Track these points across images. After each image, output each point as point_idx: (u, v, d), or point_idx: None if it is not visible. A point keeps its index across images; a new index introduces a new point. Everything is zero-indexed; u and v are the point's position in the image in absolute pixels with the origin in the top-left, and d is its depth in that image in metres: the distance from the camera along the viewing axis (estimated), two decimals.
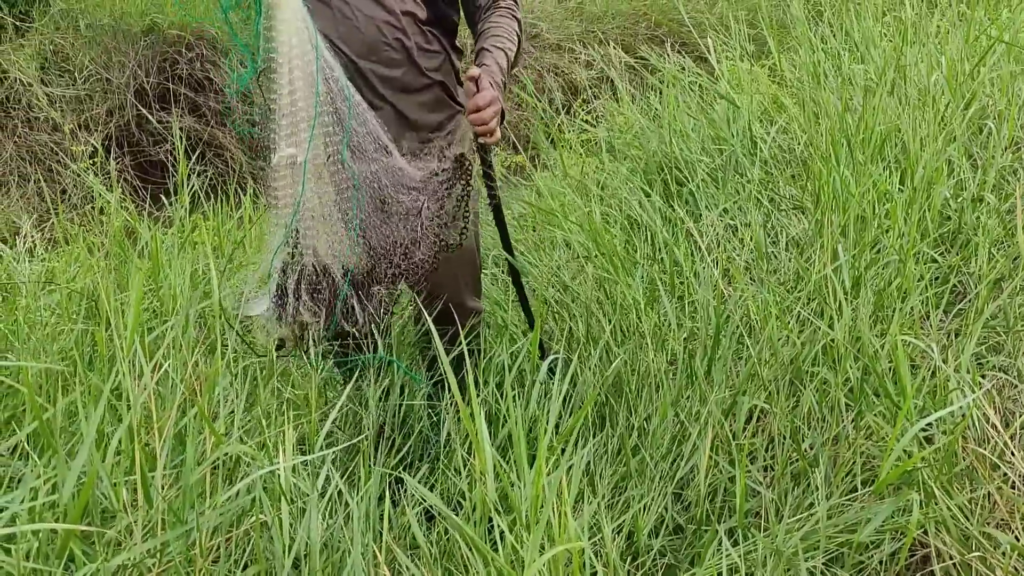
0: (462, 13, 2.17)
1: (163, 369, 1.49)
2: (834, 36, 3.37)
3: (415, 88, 2.04)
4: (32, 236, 2.58)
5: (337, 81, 1.83)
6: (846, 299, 2.03)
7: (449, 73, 2.12)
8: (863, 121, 2.40)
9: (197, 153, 5.87)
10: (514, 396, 1.68)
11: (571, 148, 3.78)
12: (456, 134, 2.15)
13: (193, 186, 3.23)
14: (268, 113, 1.87)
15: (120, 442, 1.34)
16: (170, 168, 5.37)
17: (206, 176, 4.37)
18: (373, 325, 1.96)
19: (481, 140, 1.95)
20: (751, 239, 2.36)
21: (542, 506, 1.38)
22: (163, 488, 1.40)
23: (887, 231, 2.16)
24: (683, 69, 3.69)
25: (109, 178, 4.02)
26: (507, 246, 2.20)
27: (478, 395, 1.76)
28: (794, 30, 3.54)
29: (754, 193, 2.60)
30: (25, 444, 1.51)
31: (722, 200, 2.66)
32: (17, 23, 6.47)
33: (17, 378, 1.54)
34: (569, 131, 4.08)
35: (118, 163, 5.18)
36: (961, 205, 2.36)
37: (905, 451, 1.70)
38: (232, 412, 1.49)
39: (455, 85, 2.14)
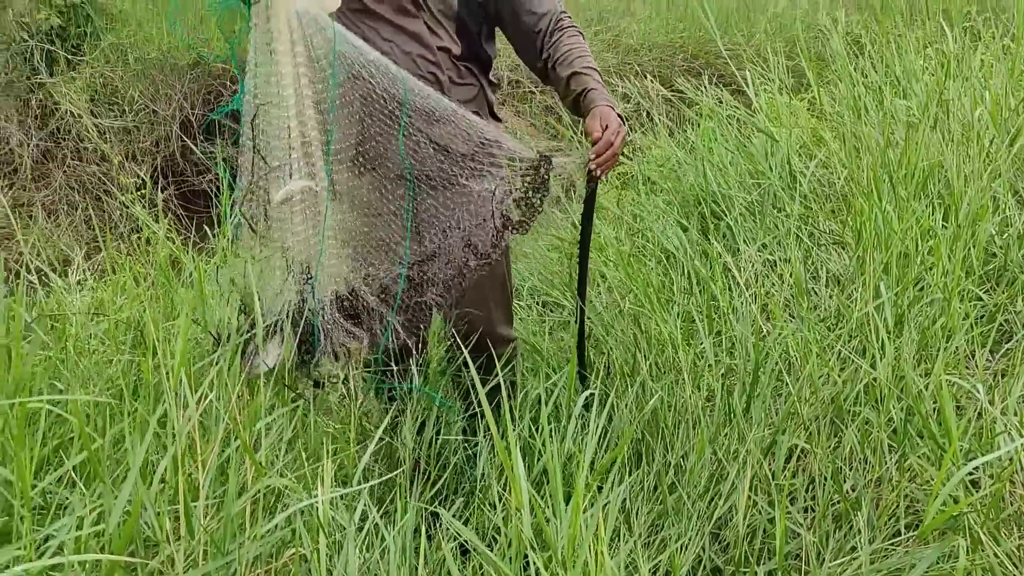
0: (512, 46, 2.16)
1: (207, 400, 1.51)
2: (875, 70, 3.35)
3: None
4: (83, 268, 2.64)
5: (377, 64, 1.79)
6: (889, 338, 2.01)
7: (483, 105, 2.14)
8: (906, 156, 2.38)
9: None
10: (550, 430, 1.67)
11: (606, 180, 3.78)
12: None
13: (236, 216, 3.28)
14: (260, 153, 1.85)
15: (165, 472, 1.36)
16: (213, 198, 5.47)
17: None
18: (416, 340, 1.97)
19: (598, 172, 1.92)
20: (791, 275, 2.34)
21: (579, 544, 1.37)
22: (205, 519, 1.42)
23: (931, 268, 2.13)
24: (720, 102, 3.69)
25: (155, 208, 4.11)
26: (582, 288, 2.14)
27: (513, 428, 1.76)
28: (833, 63, 3.53)
29: (793, 229, 2.59)
30: (72, 473, 1.54)
31: (760, 235, 2.64)
32: (69, 57, 6.67)
33: (66, 407, 1.58)
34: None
35: (163, 193, 5.29)
36: (1007, 242, 2.32)
37: (951, 495, 1.67)
38: (273, 444, 1.51)
39: (488, 116, 2.16)
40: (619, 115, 1.95)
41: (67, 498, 1.53)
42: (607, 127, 1.89)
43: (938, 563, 1.66)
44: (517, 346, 2.31)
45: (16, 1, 6.74)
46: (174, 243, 3.05)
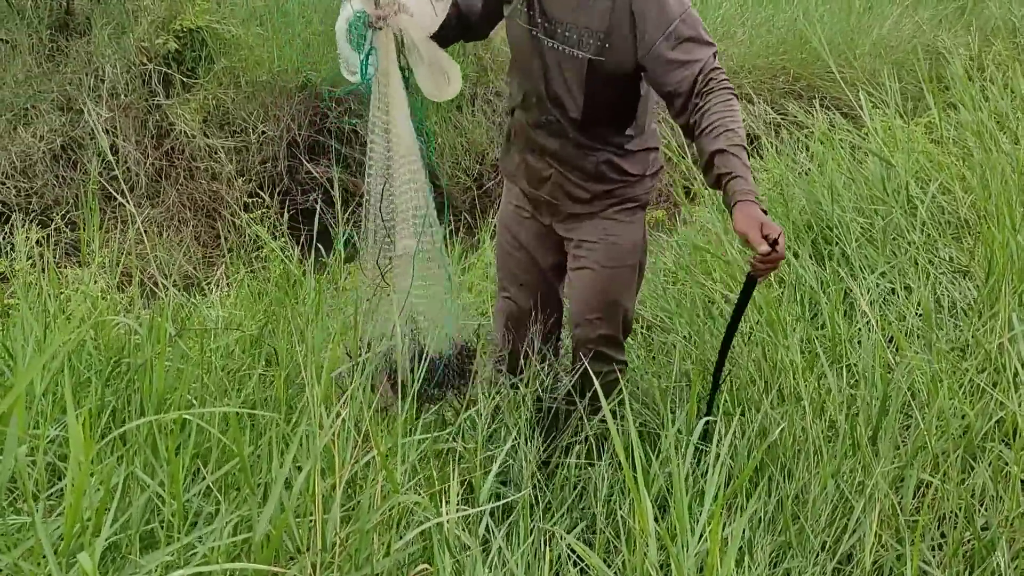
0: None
1: (340, 418, 1.56)
2: (998, 94, 3.23)
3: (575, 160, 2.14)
4: (222, 284, 2.77)
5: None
6: (1022, 366, 1.93)
7: (618, 148, 2.16)
8: None
9: (342, 202, 6.14)
10: (676, 455, 1.67)
11: (712, 205, 3.75)
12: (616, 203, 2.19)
13: (348, 234, 3.38)
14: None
15: (307, 484, 1.41)
16: (320, 216, 5.63)
17: (356, 224, 4.56)
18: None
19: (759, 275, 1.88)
20: (917, 303, 2.27)
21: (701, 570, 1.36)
22: (340, 530, 1.46)
23: None
24: (832, 125, 3.62)
25: (270, 227, 4.27)
26: (723, 357, 2.05)
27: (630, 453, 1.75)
28: (954, 86, 3.42)
29: (915, 256, 2.51)
30: (211, 484, 1.60)
31: (880, 262, 2.58)
32: (184, 79, 6.99)
33: (206, 419, 1.65)
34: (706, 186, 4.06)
35: (271, 211, 5.48)
36: None
37: None
38: (404, 461, 1.55)
39: (625, 155, 2.17)
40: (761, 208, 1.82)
41: (203, 506, 1.60)
42: (768, 235, 1.74)
43: None
44: (623, 370, 2.30)
45: (137, 27, 7.12)
46: (290, 260, 3.15)
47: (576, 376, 2.19)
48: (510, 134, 2.30)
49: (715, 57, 1.92)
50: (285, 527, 1.35)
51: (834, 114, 3.74)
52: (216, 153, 6.68)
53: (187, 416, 1.48)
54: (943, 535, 1.87)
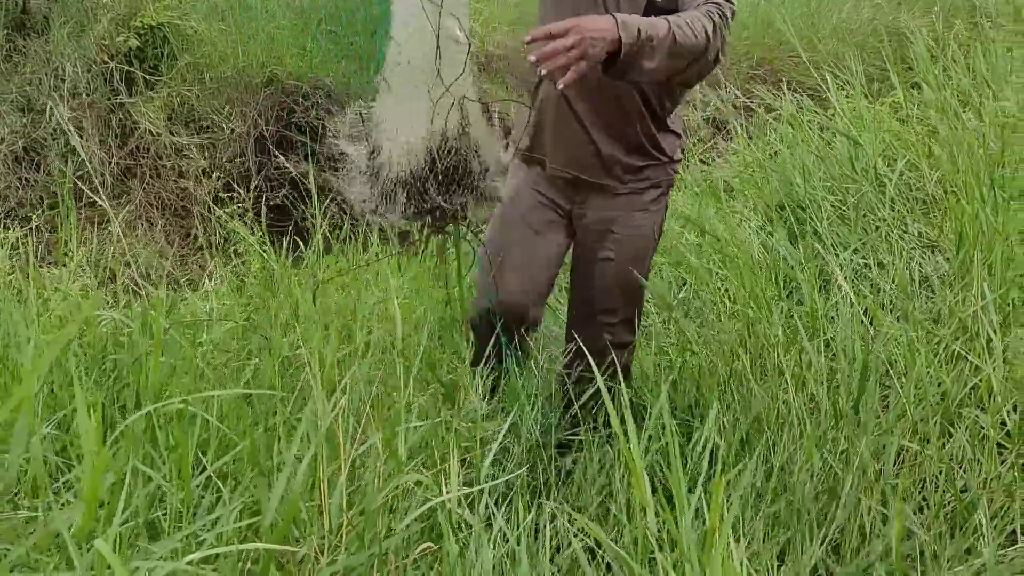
0: None
1: (340, 404, 1.58)
2: (961, 74, 3.32)
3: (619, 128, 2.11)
4: (205, 280, 2.76)
5: None
6: (995, 333, 2.00)
7: (658, 121, 2.15)
8: (1005, 157, 2.37)
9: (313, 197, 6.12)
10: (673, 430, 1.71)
11: (685, 188, 3.81)
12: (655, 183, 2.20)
13: (323, 228, 3.39)
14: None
15: (313, 468, 1.43)
16: (291, 211, 5.62)
17: (327, 219, 4.55)
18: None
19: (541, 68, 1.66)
20: (891, 278, 2.34)
21: (715, 545, 1.40)
22: (346, 512, 1.49)
23: None
24: (800, 107, 3.69)
25: (249, 223, 4.25)
26: None
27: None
28: (917, 65, 3.51)
29: (886, 232, 2.59)
30: (212, 475, 1.62)
31: (853, 239, 2.65)
32: (147, 77, 6.90)
33: (204, 407, 1.66)
34: (682, 172, 4.12)
35: (246, 205, 5.45)
36: None
37: None
38: (407, 441, 1.57)
39: (662, 131, 2.17)
40: (635, 28, 1.71)
41: (204, 496, 1.61)
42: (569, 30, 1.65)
43: None
44: (632, 350, 2.32)
45: (96, 25, 7.01)
46: (267, 254, 3.15)
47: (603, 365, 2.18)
48: (538, 109, 2.19)
49: None
50: (295, 510, 1.37)
51: (802, 96, 3.81)
52: (183, 151, 6.62)
53: (188, 405, 1.49)
54: (924, 499, 1.94)
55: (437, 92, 1.78)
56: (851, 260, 2.67)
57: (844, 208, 2.87)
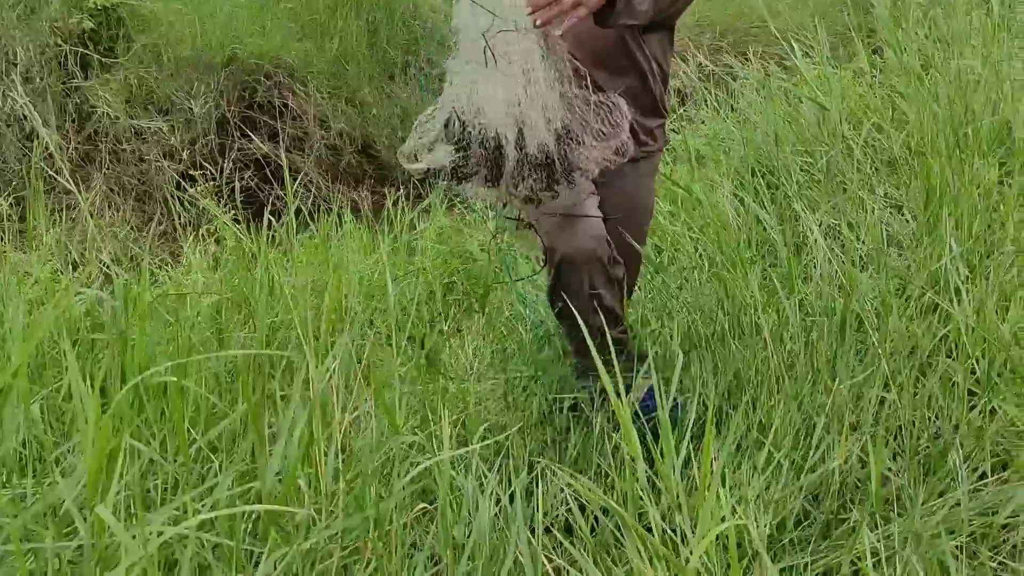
0: None
1: (331, 370, 1.59)
2: (923, 37, 3.40)
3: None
4: (194, 252, 2.74)
5: None
6: (963, 284, 2.07)
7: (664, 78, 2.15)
8: (967, 115, 2.44)
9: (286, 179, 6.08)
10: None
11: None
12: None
13: (297, 205, 3.38)
14: None
15: (309, 433, 1.45)
16: (258, 192, 5.57)
17: (296, 200, 4.53)
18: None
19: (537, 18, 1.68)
20: (860, 237, 2.40)
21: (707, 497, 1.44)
22: (340, 476, 1.51)
23: (1002, 224, 2.19)
24: (767, 74, 3.74)
25: (222, 202, 4.20)
26: None
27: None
28: (880, 30, 3.57)
29: (854, 194, 2.65)
30: (203, 445, 1.62)
31: (823, 202, 2.70)
32: (103, 59, 6.76)
33: (195, 380, 1.66)
34: None
35: (212, 184, 5.39)
36: None
37: None
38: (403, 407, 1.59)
39: (666, 91, 2.18)
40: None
41: (192, 468, 1.62)
42: None
43: None
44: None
45: (48, 6, 6.84)
46: (240, 232, 3.13)
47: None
48: None
49: None
50: (292, 479, 1.39)
51: (768, 63, 3.87)
52: (143, 134, 6.51)
53: (177, 378, 1.49)
54: (900, 447, 2.00)
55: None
56: (821, 223, 2.73)
57: (813, 170, 2.93)
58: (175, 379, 1.52)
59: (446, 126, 1.86)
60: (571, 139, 1.83)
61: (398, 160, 1.96)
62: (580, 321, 1.67)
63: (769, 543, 1.83)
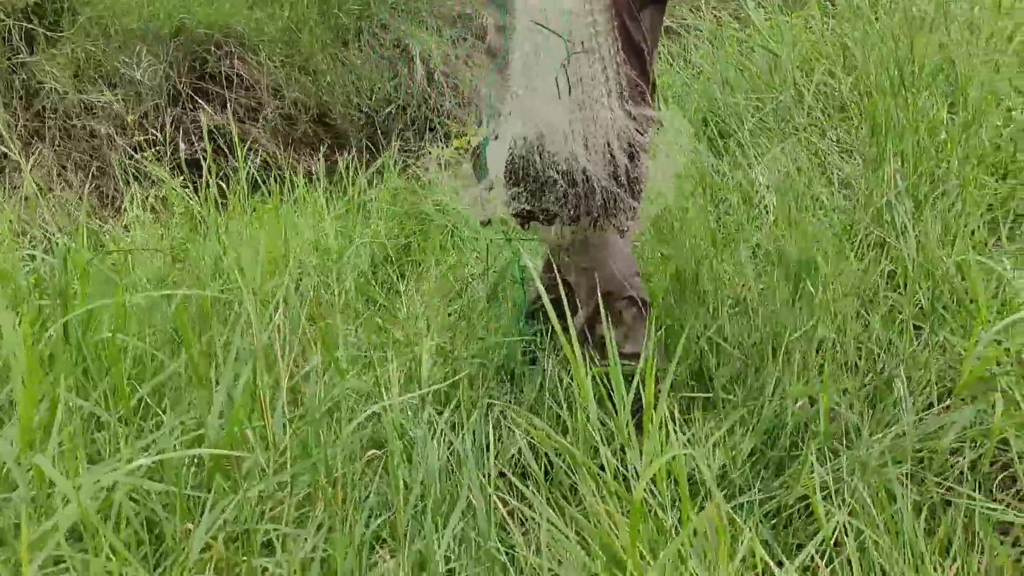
0: None
1: (274, 322, 1.58)
2: None
3: None
4: (132, 213, 2.68)
5: None
6: (909, 220, 2.09)
7: None
8: (912, 54, 2.45)
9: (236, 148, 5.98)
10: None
11: None
12: None
13: (250, 170, 3.33)
14: None
15: (252, 381, 1.43)
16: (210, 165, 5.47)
17: (249, 170, 4.45)
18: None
19: None
20: (810, 179, 2.42)
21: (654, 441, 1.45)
22: (289, 426, 1.49)
23: (944, 160, 2.21)
24: (720, 24, 3.74)
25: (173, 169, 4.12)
26: None
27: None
28: None
29: (805, 139, 2.66)
30: (149, 402, 1.60)
31: (774, 148, 2.71)
32: (48, 34, 6.58)
33: (137, 336, 1.64)
34: None
35: (157, 151, 5.28)
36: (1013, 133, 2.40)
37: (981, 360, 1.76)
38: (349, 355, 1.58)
39: None
40: None
41: (139, 424, 1.59)
42: None
43: (974, 426, 1.75)
44: None
45: None
46: (189, 198, 3.08)
47: None
48: None
49: None
50: (237, 421, 1.37)
51: (721, 14, 3.86)
52: (93, 109, 6.37)
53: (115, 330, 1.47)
54: (850, 382, 2.03)
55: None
56: (771, 168, 2.74)
57: (763, 115, 2.94)
58: (113, 333, 1.49)
59: (512, 163, 1.69)
60: (638, 160, 1.73)
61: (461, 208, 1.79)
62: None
63: (722, 483, 1.85)
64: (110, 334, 1.48)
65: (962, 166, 2.17)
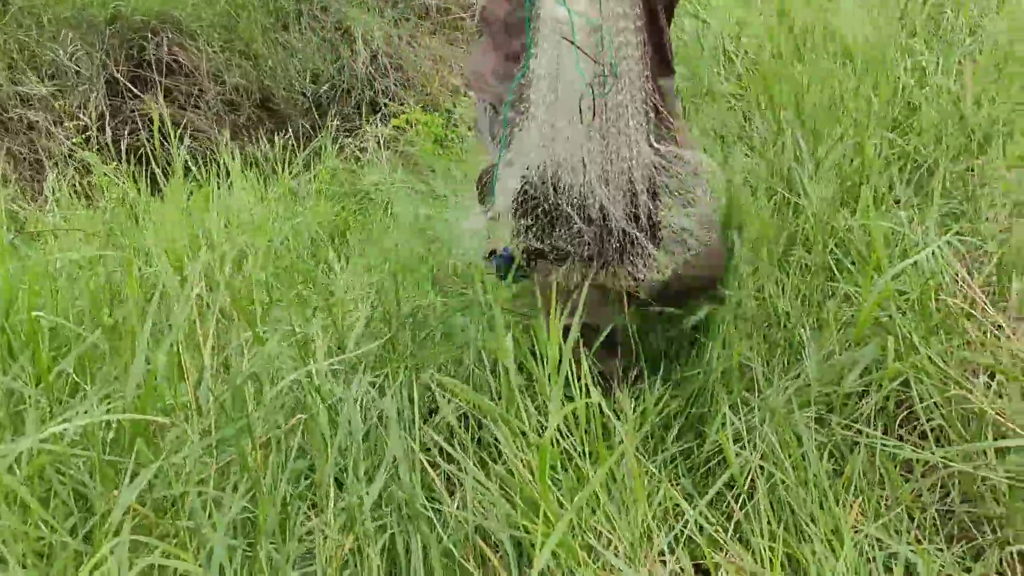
0: None
1: (196, 289, 1.61)
2: None
3: None
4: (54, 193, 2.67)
5: None
6: (809, 181, 2.17)
7: None
8: (817, 22, 2.55)
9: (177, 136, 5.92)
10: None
11: None
12: None
13: (185, 156, 3.33)
14: None
15: (173, 347, 1.46)
16: (149, 154, 5.42)
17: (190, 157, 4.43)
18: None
19: None
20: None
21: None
22: (213, 390, 1.53)
23: (849, 125, 2.31)
24: None
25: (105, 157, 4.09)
26: None
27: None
28: None
29: (733, 108, 2.74)
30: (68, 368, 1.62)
31: (705, 118, 2.79)
32: None
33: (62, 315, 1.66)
34: None
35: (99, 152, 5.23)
36: (915, 90, 2.51)
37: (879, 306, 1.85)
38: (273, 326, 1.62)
39: None
40: None
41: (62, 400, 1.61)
42: None
43: (877, 370, 1.84)
44: None
45: None
46: (124, 183, 3.08)
47: None
48: None
49: None
50: (154, 386, 1.40)
51: None
52: (29, 100, 6.25)
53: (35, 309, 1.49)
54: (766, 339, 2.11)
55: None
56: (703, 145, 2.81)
57: (693, 86, 3.01)
58: (33, 313, 1.52)
59: (523, 194, 1.54)
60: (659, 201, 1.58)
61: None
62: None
63: (646, 444, 1.91)
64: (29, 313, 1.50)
65: (861, 130, 2.26)
